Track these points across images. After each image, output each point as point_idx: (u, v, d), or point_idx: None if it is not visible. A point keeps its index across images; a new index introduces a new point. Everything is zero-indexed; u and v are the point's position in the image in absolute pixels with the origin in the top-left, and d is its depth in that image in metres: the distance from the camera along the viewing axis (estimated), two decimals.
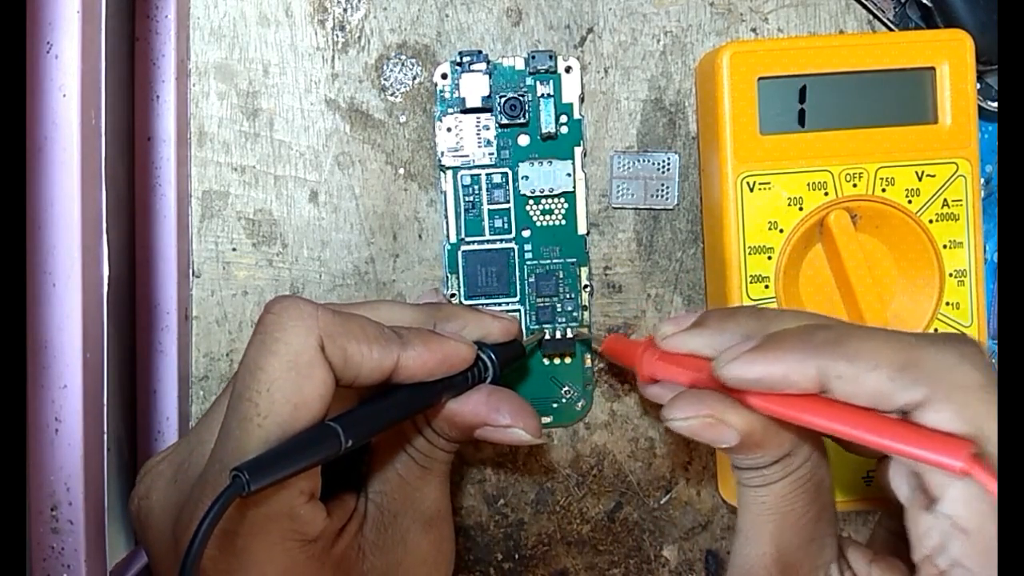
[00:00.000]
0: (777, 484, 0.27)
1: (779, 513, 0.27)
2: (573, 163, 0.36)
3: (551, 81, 0.35)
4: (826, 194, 0.33)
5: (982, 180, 0.36)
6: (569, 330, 0.36)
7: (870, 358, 0.24)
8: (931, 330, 0.33)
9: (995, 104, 0.36)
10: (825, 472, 0.27)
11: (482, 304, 0.36)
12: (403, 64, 0.36)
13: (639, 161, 0.37)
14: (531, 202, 0.36)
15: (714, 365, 0.26)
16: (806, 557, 0.27)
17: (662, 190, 0.37)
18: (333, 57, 0.36)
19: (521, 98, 0.35)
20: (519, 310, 0.36)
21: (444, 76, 0.36)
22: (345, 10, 0.36)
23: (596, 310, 0.37)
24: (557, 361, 0.36)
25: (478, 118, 0.36)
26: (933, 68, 0.33)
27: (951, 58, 0.33)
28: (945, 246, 0.33)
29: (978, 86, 0.35)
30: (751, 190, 0.33)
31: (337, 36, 0.36)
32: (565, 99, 0.36)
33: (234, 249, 0.36)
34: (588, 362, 0.36)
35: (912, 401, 0.23)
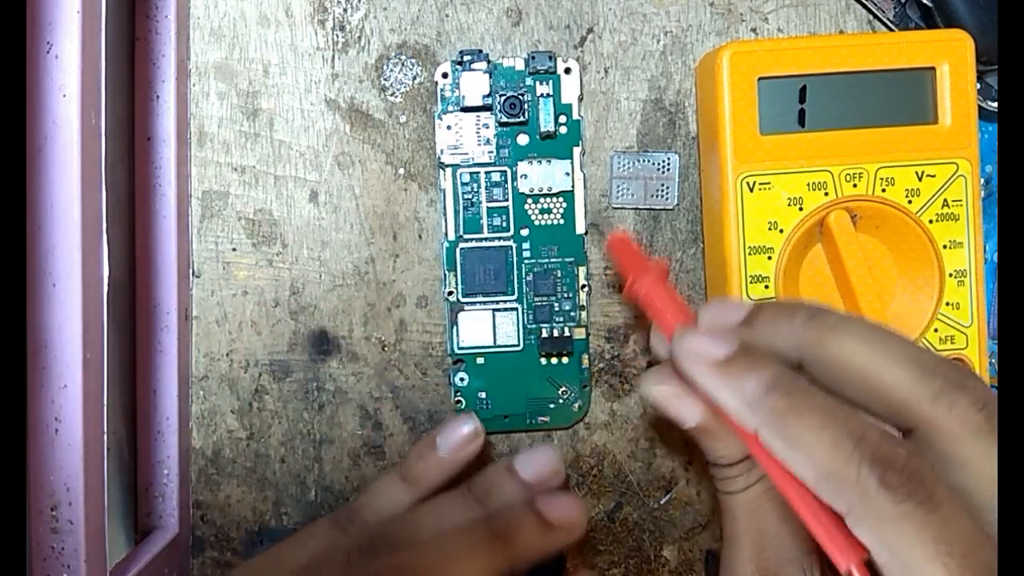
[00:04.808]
0: (741, 494, 0.27)
1: (753, 530, 0.27)
2: (572, 163, 0.36)
3: (550, 81, 0.35)
4: (826, 194, 0.33)
5: (982, 180, 0.36)
6: (567, 329, 0.36)
7: (803, 453, 0.23)
8: (932, 330, 0.33)
9: (995, 104, 0.36)
10: None
11: (479, 302, 0.36)
12: (403, 64, 0.36)
13: (639, 161, 0.37)
14: (530, 201, 0.36)
15: (673, 347, 0.26)
16: None
17: (662, 190, 0.37)
18: (333, 57, 0.36)
19: (520, 97, 0.35)
20: (516, 308, 0.36)
21: (445, 75, 0.36)
22: (345, 10, 0.36)
23: (595, 310, 0.37)
24: (555, 361, 0.36)
25: (478, 116, 0.36)
26: (933, 68, 0.33)
27: (951, 58, 0.33)
28: (945, 246, 0.33)
29: (978, 86, 0.35)
30: (751, 190, 0.33)
31: (337, 36, 0.36)
32: (564, 99, 0.36)
33: (234, 249, 0.36)
34: (585, 362, 0.36)
35: (836, 510, 0.22)
